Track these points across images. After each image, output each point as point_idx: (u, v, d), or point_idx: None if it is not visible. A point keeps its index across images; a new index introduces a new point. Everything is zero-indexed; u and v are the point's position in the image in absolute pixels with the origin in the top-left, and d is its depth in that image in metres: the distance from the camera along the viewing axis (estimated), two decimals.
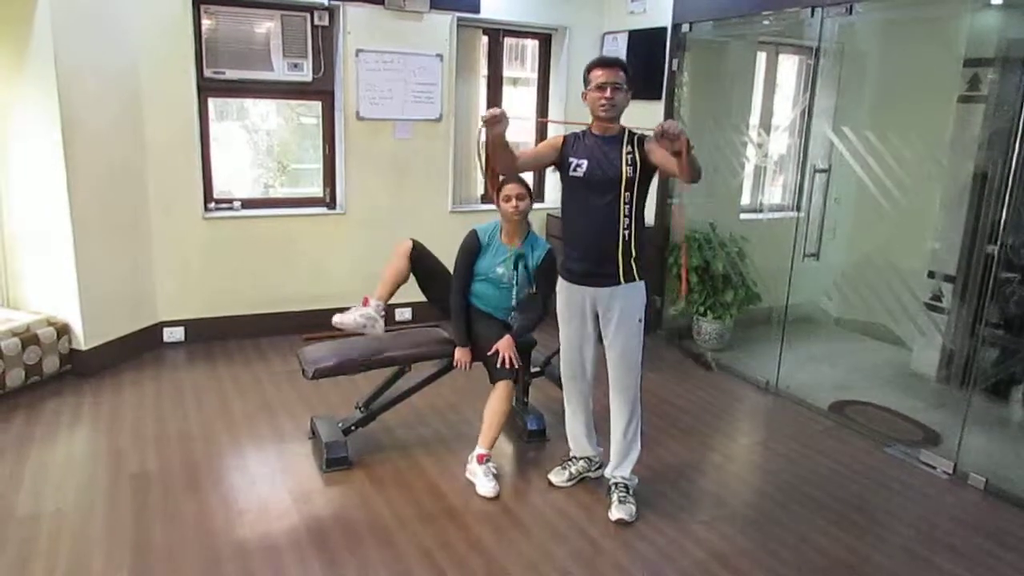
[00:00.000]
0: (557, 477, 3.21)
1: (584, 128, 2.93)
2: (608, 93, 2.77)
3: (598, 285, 2.90)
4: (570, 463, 3.24)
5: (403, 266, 3.35)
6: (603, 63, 2.84)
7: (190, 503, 2.93)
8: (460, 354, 3.30)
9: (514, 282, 3.29)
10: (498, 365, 3.18)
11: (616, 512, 2.94)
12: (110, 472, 3.15)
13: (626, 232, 2.85)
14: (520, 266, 3.28)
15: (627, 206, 2.82)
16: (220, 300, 4.77)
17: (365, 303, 3.29)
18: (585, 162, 2.86)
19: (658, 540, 2.82)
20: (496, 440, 3.19)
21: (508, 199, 3.21)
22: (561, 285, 3.03)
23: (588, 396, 3.17)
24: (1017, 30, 3.95)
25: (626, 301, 2.89)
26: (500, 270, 3.30)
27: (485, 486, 3.09)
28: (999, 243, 3.46)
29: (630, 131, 2.87)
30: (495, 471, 3.16)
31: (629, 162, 2.80)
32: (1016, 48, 3.92)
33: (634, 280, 2.88)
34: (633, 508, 2.96)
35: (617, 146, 2.84)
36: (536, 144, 4.73)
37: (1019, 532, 2.99)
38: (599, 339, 3.03)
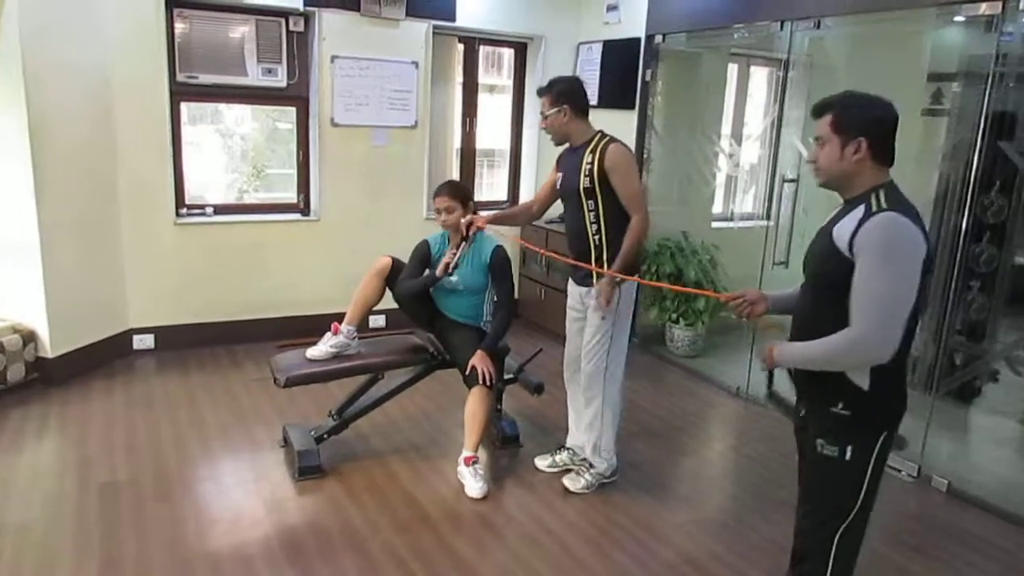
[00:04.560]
0: (542, 461, 3.41)
1: None
2: (545, 123, 3.04)
3: (580, 284, 3.14)
4: (558, 451, 3.40)
5: (375, 288, 3.35)
6: (538, 92, 3.09)
7: (161, 513, 2.90)
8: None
9: (462, 286, 3.32)
10: (480, 382, 3.18)
11: (566, 480, 3.23)
12: (78, 482, 3.10)
13: (596, 237, 3.01)
14: (466, 267, 3.29)
15: (592, 213, 2.98)
16: (192, 307, 4.71)
17: (335, 331, 3.28)
18: (561, 175, 3.12)
19: (630, 544, 2.85)
20: (480, 442, 3.21)
21: (438, 212, 3.29)
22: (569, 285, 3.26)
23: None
24: (977, 46, 4.07)
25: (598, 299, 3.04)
26: (453, 278, 3.31)
27: (473, 487, 3.13)
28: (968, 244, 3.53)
29: (599, 138, 2.99)
30: (482, 472, 3.19)
31: (586, 172, 2.94)
32: (976, 63, 4.04)
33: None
34: (582, 482, 3.19)
35: (581, 156, 2.98)
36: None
37: (980, 532, 3.08)
38: None
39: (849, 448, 1.90)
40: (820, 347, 1.87)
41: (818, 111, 1.93)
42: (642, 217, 2.92)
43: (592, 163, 2.92)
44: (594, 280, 3.03)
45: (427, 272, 3.34)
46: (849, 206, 1.88)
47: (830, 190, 1.96)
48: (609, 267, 2.97)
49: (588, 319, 3.10)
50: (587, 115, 3.04)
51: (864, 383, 1.86)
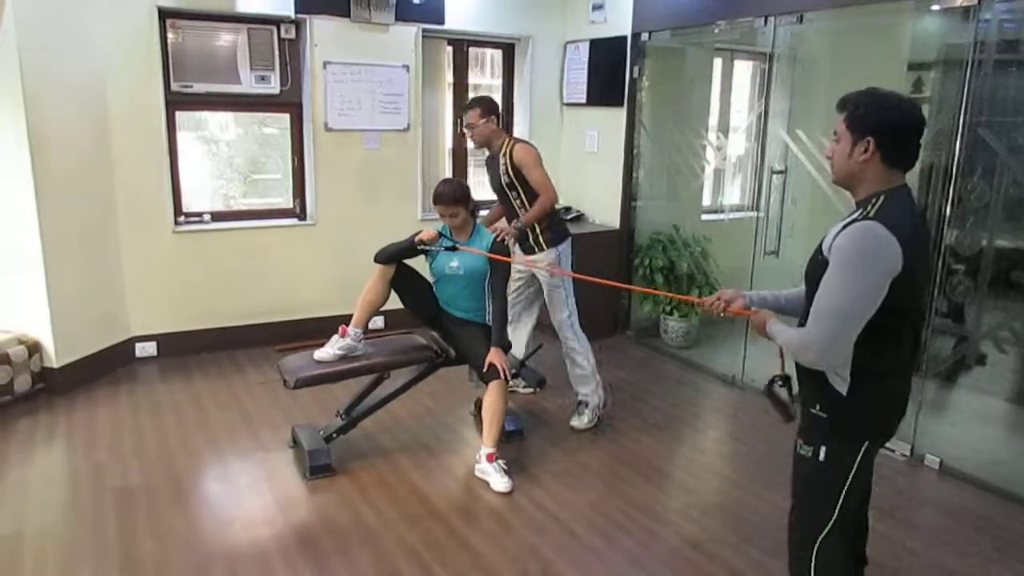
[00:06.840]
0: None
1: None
2: (473, 131, 3.69)
3: (525, 252, 3.80)
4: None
5: (380, 291, 3.41)
6: (464, 107, 3.77)
7: (176, 515, 2.96)
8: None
9: (462, 271, 3.41)
10: (499, 377, 3.27)
11: (573, 421, 3.85)
12: (92, 488, 3.15)
13: None
14: (467, 254, 3.40)
15: (517, 200, 3.71)
16: (192, 314, 4.76)
17: (343, 333, 3.34)
18: (489, 177, 3.84)
19: (634, 529, 2.94)
20: (499, 437, 3.30)
21: (442, 216, 3.44)
22: None
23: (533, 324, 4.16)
24: (955, 35, 4.17)
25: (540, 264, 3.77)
26: (454, 264, 3.41)
27: (499, 482, 3.20)
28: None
29: (509, 141, 3.67)
30: (505, 467, 3.27)
31: (504, 171, 3.67)
32: (954, 52, 4.14)
33: (543, 249, 3.74)
34: (585, 419, 3.82)
35: (496, 160, 3.72)
36: None
37: (972, 508, 3.18)
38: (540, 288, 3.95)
39: (823, 450, 1.89)
40: (785, 335, 1.89)
41: (838, 106, 1.88)
42: (548, 196, 3.62)
43: (507, 163, 3.64)
44: (535, 250, 3.73)
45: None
46: (854, 210, 1.86)
47: (842, 188, 1.94)
48: (543, 235, 3.70)
49: (542, 280, 3.80)
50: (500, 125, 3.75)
51: (843, 388, 1.85)
